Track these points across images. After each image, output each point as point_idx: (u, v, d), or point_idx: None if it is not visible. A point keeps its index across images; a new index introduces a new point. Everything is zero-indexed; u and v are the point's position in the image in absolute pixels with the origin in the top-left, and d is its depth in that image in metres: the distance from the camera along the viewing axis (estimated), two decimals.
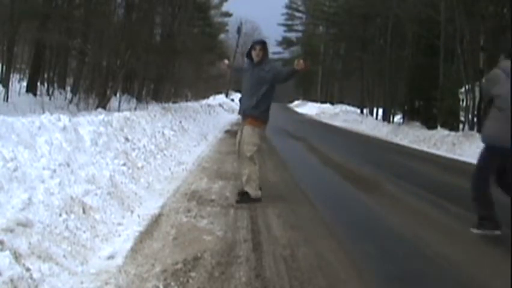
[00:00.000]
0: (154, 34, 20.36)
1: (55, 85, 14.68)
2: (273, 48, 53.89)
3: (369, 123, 21.96)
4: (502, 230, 4.07)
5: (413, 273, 3.27)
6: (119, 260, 3.09)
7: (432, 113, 18.28)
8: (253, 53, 4.90)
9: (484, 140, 4.29)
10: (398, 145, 13.93)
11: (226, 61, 5.92)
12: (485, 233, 4.09)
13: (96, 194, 4.00)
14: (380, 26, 25.50)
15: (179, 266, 3.02)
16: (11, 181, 3.40)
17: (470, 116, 15.80)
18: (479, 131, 14.30)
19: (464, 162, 10.11)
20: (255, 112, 4.87)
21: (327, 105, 37.33)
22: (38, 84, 13.56)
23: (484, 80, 4.67)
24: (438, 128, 15.62)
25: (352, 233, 4.09)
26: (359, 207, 5.20)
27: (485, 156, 4.23)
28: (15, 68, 14.13)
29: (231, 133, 12.47)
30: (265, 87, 4.85)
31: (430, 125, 17.15)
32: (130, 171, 5.28)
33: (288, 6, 54.75)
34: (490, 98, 4.35)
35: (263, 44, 5.00)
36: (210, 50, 30.39)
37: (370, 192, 5.88)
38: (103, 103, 12.80)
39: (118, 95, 14.64)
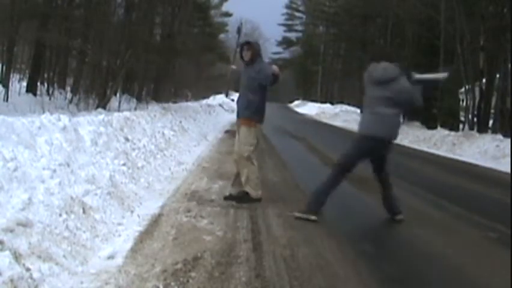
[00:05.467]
0: (154, 34, 20.34)
1: (55, 85, 14.66)
2: (273, 48, 53.82)
3: None
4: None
5: (412, 273, 3.27)
6: (119, 260, 3.09)
7: (432, 113, 18.27)
8: (243, 54, 4.92)
9: None
10: (398, 145, 13.81)
11: (233, 66, 5.98)
12: None
13: (96, 194, 4.00)
14: (380, 26, 25.51)
15: (179, 266, 3.02)
16: (11, 181, 3.39)
17: (470, 116, 15.81)
18: (479, 131, 14.33)
19: (464, 162, 10.12)
20: (247, 113, 4.85)
21: (327, 105, 37.23)
22: (38, 84, 13.56)
23: None
24: (438, 128, 15.62)
25: (352, 233, 4.09)
26: (359, 207, 5.21)
27: None
28: (15, 68, 14.12)
29: (231, 133, 12.44)
30: (255, 88, 4.81)
31: (430, 125, 17.15)
32: (130, 171, 5.28)
33: (288, 6, 54.67)
34: None
35: (248, 44, 4.99)
36: (210, 50, 30.38)
37: (370, 192, 5.86)
38: (103, 103, 12.79)
39: (118, 95, 14.64)
